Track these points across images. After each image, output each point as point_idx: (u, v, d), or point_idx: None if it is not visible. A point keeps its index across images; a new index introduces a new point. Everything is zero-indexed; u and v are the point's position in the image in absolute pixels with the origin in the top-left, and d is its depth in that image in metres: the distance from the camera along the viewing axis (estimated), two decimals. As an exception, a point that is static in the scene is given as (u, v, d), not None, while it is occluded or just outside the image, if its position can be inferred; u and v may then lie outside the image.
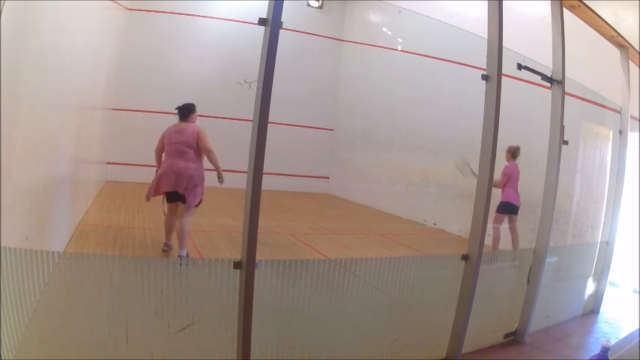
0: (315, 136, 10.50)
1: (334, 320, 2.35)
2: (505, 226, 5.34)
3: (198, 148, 3.90)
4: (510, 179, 5.15)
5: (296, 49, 9.31)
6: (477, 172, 2.59)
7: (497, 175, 4.93)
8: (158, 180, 3.90)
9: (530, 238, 3.53)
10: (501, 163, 5.28)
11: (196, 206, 3.96)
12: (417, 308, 2.62)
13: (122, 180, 8.34)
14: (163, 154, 3.99)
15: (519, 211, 5.21)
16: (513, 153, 5.19)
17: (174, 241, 4.10)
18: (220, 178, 3.98)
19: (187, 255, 3.90)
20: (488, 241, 4.96)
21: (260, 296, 1.97)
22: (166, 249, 4.13)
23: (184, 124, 4.01)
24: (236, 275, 1.93)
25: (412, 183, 8.10)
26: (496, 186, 4.86)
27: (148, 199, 4.00)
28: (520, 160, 5.63)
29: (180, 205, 3.91)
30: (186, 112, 4.08)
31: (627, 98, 3.93)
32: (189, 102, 4.14)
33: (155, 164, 4.07)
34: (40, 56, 2.52)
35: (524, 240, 5.29)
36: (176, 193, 3.85)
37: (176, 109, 4.12)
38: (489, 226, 5.20)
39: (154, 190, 3.93)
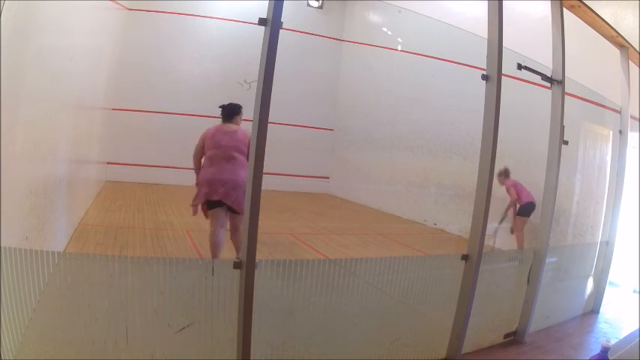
0: (315, 136, 10.51)
1: (334, 320, 2.35)
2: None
3: (248, 155, 3.47)
4: (516, 187, 5.50)
5: (296, 49, 9.32)
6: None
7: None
8: (200, 189, 3.45)
9: (530, 238, 3.53)
10: (501, 163, 5.30)
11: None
12: (417, 308, 2.62)
13: (122, 180, 8.35)
14: (204, 159, 3.53)
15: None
16: (507, 173, 5.59)
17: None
18: None
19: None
20: (488, 241, 5.14)
21: (260, 296, 1.97)
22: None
23: (232, 126, 3.55)
24: (236, 275, 1.93)
25: (412, 183, 8.10)
26: (514, 202, 5.47)
27: (195, 212, 3.54)
28: (520, 160, 5.65)
29: (237, 217, 3.49)
30: (231, 112, 3.59)
31: (627, 98, 3.93)
32: (235, 102, 3.67)
33: (193, 168, 3.63)
34: (40, 56, 2.52)
35: (525, 240, 5.31)
36: (218, 202, 3.42)
37: (220, 107, 3.62)
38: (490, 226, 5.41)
39: (199, 199, 3.46)
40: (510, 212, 5.52)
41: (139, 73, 8.73)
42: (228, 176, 3.41)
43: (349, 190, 9.71)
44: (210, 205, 3.47)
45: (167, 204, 7.23)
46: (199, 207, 3.53)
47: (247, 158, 3.41)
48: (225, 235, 3.60)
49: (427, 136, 7.79)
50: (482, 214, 2.55)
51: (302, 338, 2.26)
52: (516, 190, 5.48)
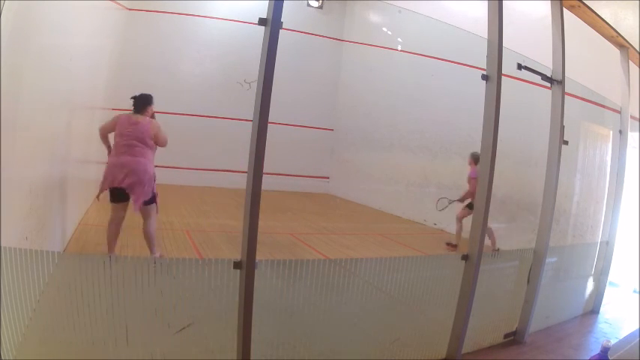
0: (315, 136, 10.50)
1: (334, 320, 2.35)
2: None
3: (152, 144, 3.64)
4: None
5: (296, 49, 9.31)
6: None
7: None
8: (104, 174, 3.54)
9: (530, 238, 3.53)
10: (501, 163, 5.29)
11: (155, 206, 3.69)
12: (417, 308, 2.62)
13: (122, 180, 8.33)
14: (112, 147, 3.69)
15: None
16: (477, 159, 5.59)
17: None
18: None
19: (161, 255, 3.75)
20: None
21: (260, 296, 1.97)
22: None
23: (139, 117, 3.67)
24: (236, 275, 1.93)
25: (412, 183, 8.10)
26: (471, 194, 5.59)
27: (98, 197, 3.67)
28: (520, 160, 5.65)
29: (143, 208, 3.56)
30: (141, 103, 3.71)
31: (627, 98, 3.93)
32: (147, 93, 3.78)
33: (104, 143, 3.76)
34: (40, 56, 2.52)
35: (524, 240, 5.31)
36: (121, 191, 3.48)
37: (132, 98, 3.74)
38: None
39: (101, 185, 3.55)
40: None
41: (139, 73, 8.71)
42: (126, 161, 3.50)
43: (349, 190, 9.70)
44: (115, 197, 3.56)
45: (167, 204, 7.21)
46: (100, 191, 3.60)
47: (152, 148, 3.63)
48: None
49: (427, 136, 7.78)
50: (483, 214, 2.55)
51: (302, 338, 2.26)
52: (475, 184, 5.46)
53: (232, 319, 1.96)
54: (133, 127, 3.60)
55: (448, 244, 5.97)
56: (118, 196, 3.53)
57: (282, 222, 6.52)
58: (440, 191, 7.36)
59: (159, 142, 3.70)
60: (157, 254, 3.70)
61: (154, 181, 3.66)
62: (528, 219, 5.48)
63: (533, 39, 3.96)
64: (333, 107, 10.70)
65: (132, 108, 3.74)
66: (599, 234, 4.10)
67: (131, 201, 3.50)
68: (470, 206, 5.71)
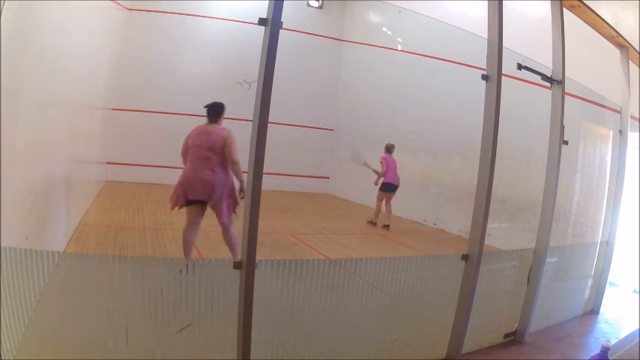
0: (315, 136, 10.50)
1: (334, 320, 2.35)
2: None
3: (224, 155, 3.53)
4: (387, 163, 6.70)
5: (296, 49, 9.31)
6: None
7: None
8: (179, 187, 3.56)
9: (530, 238, 3.54)
10: (501, 163, 5.30)
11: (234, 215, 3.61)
12: (417, 308, 2.62)
13: (122, 180, 8.35)
14: (187, 159, 3.69)
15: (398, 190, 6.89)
16: (388, 149, 6.88)
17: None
18: (242, 192, 3.59)
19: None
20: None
21: (260, 296, 1.97)
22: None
23: (210, 126, 3.62)
24: (236, 275, 1.93)
25: (412, 183, 8.09)
26: (380, 174, 6.80)
27: (172, 208, 3.64)
28: (520, 160, 5.65)
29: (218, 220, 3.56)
30: (215, 112, 3.66)
31: (627, 98, 3.93)
32: (219, 101, 3.74)
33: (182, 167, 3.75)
34: (40, 56, 2.52)
35: (524, 240, 5.31)
36: (201, 200, 3.50)
37: (205, 107, 3.69)
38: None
39: (176, 198, 3.56)
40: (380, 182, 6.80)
41: (139, 73, 8.72)
42: (201, 176, 3.49)
43: (349, 190, 9.70)
44: (192, 203, 3.57)
45: (167, 204, 7.21)
46: (176, 204, 3.62)
47: (223, 158, 3.54)
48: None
49: (427, 136, 7.78)
50: (483, 214, 2.55)
51: (302, 338, 2.26)
52: (386, 166, 6.65)
53: (232, 319, 1.96)
54: (206, 136, 3.54)
55: (369, 222, 6.90)
56: (195, 201, 3.53)
57: (282, 222, 6.52)
58: (440, 191, 7.37)
59: (226, 153, 3.54)
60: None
61: (234, 189, 3.61)
62: (528, 219, 5.48)
63: (533, 39, 3.96)
64: (333, 107, 10.70)
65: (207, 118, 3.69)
66: (599, 234, 4.10)
67: (219, 217, 3.54)
68: (382, 188, 6.72)
